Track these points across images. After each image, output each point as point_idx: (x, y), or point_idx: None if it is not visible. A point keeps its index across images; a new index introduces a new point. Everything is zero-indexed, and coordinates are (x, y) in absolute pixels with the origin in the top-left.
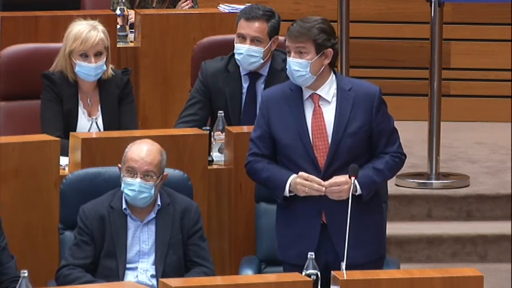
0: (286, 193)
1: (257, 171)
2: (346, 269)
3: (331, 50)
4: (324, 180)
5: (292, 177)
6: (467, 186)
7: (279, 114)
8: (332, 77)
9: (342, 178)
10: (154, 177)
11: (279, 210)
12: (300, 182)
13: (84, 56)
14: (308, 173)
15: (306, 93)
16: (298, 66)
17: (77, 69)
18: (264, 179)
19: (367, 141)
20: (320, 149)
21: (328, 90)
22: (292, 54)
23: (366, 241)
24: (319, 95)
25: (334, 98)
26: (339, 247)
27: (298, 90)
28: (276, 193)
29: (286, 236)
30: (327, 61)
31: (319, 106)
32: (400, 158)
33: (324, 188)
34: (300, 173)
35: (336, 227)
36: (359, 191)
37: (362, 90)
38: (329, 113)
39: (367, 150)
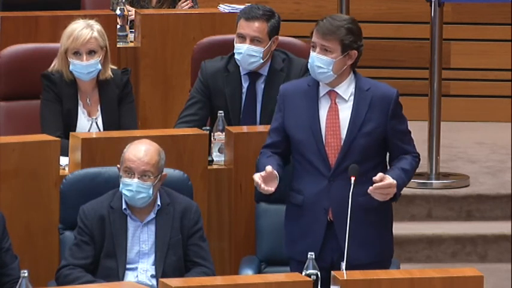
0: None
1: (258, 164)
2: (351, 269)
3: (356, 51)
4: (333, 178)
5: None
6: (467, 186)
7: (294, 109)
8: (351, 76)
9: (392, 180)
10: (152, 177)
11: (288, 205)
12: (254, 179)
13: (78, 54)
14: (318, 169)
15: (324, 90)
16: (321, 62)
17: (71, 67)
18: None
19: (381, 142)
20: (332, 146)
21: (346, 88)
22: (318, 50)
23: (373, 241)
24: (337, 93)
25: (352, 97)
26: (342, 246)
27: (315, 86)
28: None
29: (293, 232)
30: (350, 61)
31: (335, 103)
32: (418, 157)
33: (260, 181)
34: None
35: (342, 225)
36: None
37: (380, 92)
38: (345, 112)
39: (380, 151)
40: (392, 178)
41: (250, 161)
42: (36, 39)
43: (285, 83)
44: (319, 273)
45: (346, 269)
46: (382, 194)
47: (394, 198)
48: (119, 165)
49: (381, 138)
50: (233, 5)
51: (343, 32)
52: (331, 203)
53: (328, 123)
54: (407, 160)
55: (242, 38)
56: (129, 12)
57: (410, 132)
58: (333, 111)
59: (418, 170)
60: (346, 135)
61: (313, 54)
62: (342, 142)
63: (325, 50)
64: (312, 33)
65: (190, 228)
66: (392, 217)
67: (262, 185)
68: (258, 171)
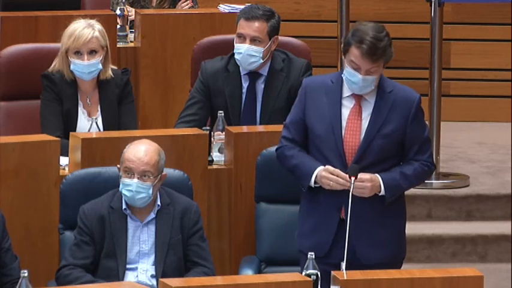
0: (312, 183)
1: (286, 158)
2: (362, 269)
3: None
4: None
5: (319, 168)
6: (467, 186)
7: (316, 104)
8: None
9: (367, 175)
10: (151, 178)
11: (303, 199)
12: (326, 176)
13: (79, 53)
14: (334, 166)
15: (349, 91)
16: (367, 83)
17: (71, 67)
18: (292, 166)
19: (398, 145)
20: (350, 145)
21: (373, 92)
22: (363, 72)
23: (386, 242)
24: (362, 96)
25: (374, 98)
26: (355, 245)
27: (339, 83)
28: (301, 182)
29: (305, 225)
30: (383, 69)
31: (359, 105)
32: (429, 167)
33: (348, 183)
34: (327, 166)
35: (354, 224)
36: (383, 192)
37: (402, 95)
38: (366, 112)
39: (397, 154)
40: (383, 178)
41: (250, 161)
42: (36, 39)
43: (309, 77)
44: (319, 273)
45: (357, 269)
46: (356, 188)
47: (383, 198)
48: (118, 165)
49: (399, 141)
50: (233, 5)
51: (388, 52)
52: (345, 200)
53: (350, 122)
54: (412, 165)
55: (242, 38)
56: (129, 12)
57: (429, 140)
58: (356, 111)
59: None
60: (365, 135)
61: (358, 76)
62: (360, 142)
63: (370, 72)
64: (346, 48)
65: (190, 228)
66: (406, 219)
67: (341, 180)
68: (285, 162)
